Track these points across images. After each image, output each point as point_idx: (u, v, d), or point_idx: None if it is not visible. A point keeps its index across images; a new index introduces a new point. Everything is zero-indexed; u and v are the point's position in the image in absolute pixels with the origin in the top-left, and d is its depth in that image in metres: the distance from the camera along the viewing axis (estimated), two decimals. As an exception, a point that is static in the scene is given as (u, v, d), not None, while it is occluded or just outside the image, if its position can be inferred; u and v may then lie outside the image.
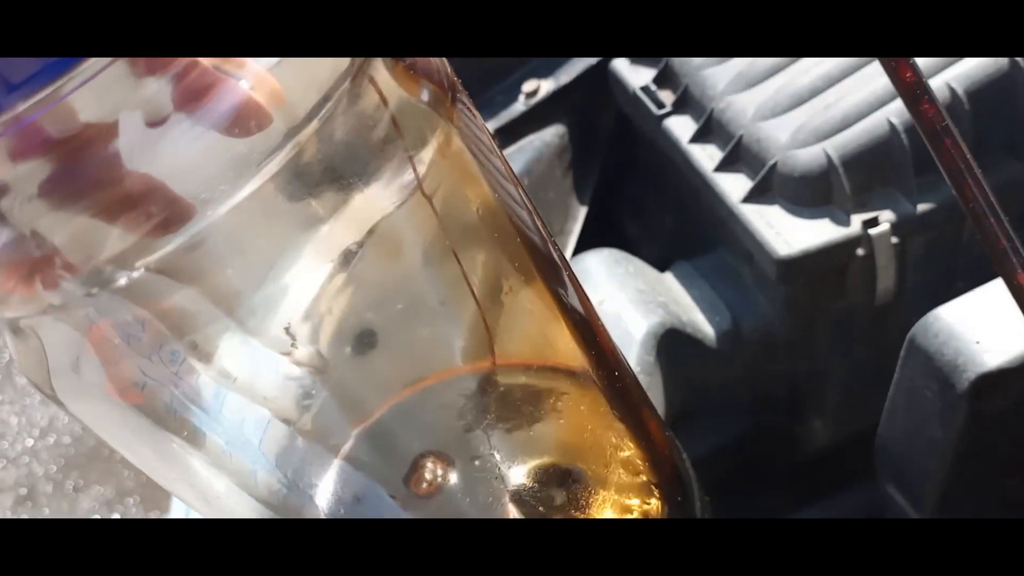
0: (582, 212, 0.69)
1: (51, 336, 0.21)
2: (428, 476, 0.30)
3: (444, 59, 0.25)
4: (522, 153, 0.65)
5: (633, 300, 0.53)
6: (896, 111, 0.48)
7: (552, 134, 0.66)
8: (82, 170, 0.19)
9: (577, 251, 0.69)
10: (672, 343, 0.53)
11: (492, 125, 0.68)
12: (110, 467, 1.60)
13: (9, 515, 1.56)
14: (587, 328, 0.31)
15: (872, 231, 0.48)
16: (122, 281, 0.19)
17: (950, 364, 0.41)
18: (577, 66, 0.67)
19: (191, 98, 0.19)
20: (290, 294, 0.23)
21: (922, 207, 0.49)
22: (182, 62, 0.19)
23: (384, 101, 0.22)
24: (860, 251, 0.49)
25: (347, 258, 0.23)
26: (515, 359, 0.32)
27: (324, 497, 0.28)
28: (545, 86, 0.68)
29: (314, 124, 0.20)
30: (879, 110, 0.48)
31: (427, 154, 0.23)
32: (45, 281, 0.19)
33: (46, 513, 1.55)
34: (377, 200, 0.22)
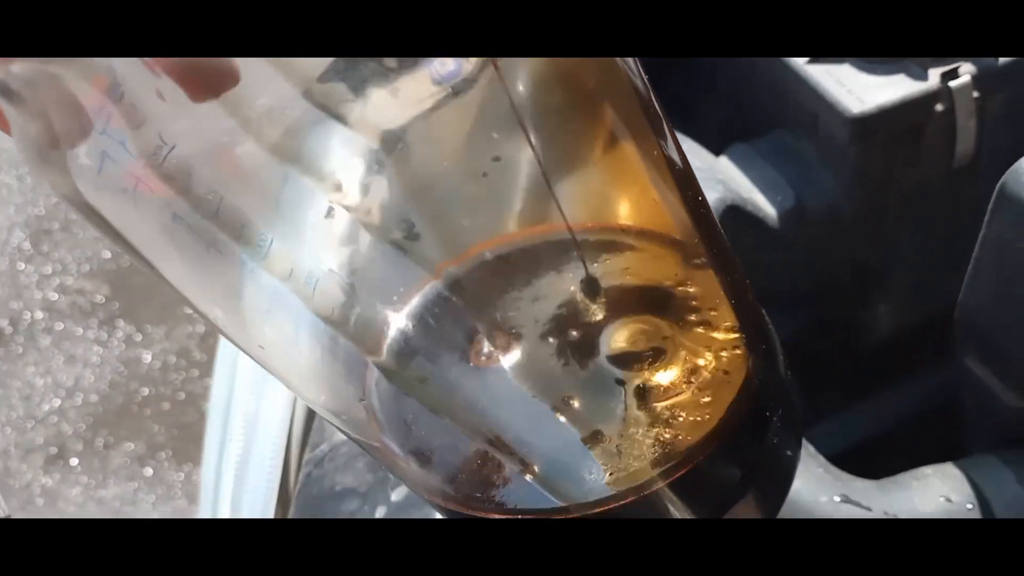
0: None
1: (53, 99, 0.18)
2: (487, 348, 0.28)
3: None
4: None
5: (691, 177, 0.50)
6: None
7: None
8: None
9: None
10: (732, 223, 0.50)
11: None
12: (140, 423, 1.59)
13: (41, 474, 1.56)
14: (686, 184, 0.28)
15: (952, 83, 0.45)
16: None
17: (1048, 210, 0.39)
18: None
19: None
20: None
21: (1004, 60, 0.46)
22: None
23: None
24: (939, 107, 0.45)
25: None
26: (600, 221, 0.29)
27: (400, 318, 0.26)
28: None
29: None
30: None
31: None
32: None
33: (78, 471, 1.55)
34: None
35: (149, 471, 1.53)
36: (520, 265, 0.27)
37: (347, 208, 0.23)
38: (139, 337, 1.69)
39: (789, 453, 0.35)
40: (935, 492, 0.46)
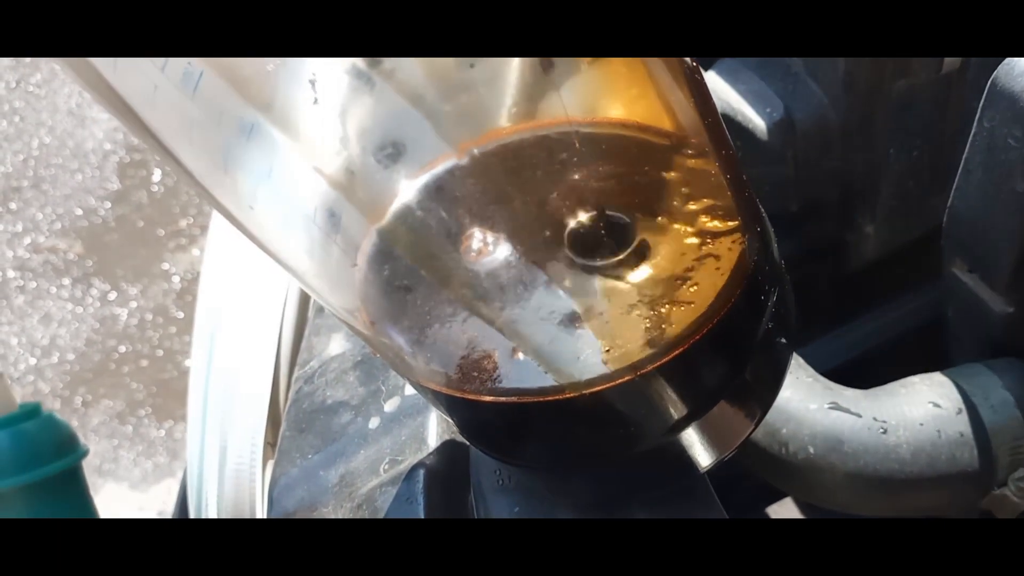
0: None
1: None
2: (477, 244, 0.27)
3: None
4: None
5: (680, 88, 0.50)
6: None
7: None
8: None
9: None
10: (723, 134, 0.50)
11: None
12: (118, 380, 1.58)
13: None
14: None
15: (943, -16, 0.44)
16: None
17: (1040, 103, 0.39)
18: None
19: None
20: None
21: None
22: None
23: None
24: (929, 9, 0.45)
25: None
26: (598, 116, 0.28)
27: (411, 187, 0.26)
28: None
29: None
30: None
31: None
32: None
33: (56, 429, 1.53)
34: None
35: (129, 428, 1.52)
36: (526, 154, 0.27)
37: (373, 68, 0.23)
38: (114, 295, 1.67)
39: (783, 340, 0.35)
40: (923, 398, 0.47)
